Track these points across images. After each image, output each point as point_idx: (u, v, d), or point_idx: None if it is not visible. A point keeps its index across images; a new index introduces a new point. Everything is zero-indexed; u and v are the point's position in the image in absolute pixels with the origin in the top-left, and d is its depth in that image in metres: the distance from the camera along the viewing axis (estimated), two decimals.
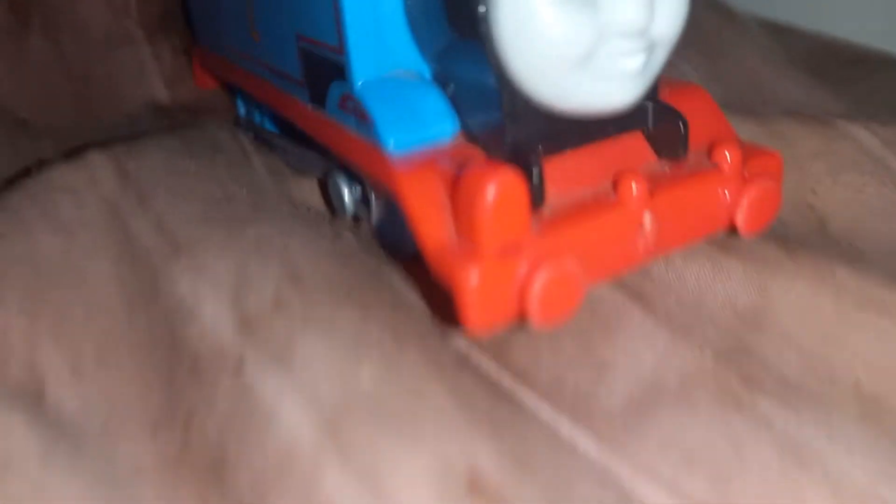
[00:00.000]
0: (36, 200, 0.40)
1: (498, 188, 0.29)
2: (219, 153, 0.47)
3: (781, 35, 0.69)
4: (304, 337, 0.32)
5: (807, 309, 0.35)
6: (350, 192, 0.41)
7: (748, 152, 0.35)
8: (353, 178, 0.42)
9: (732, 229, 0.35)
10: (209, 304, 0.35)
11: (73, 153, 0.45)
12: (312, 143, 0.55)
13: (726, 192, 0.34)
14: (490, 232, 0.29)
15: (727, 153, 0.34)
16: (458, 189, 0.30)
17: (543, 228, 0.31)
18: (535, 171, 0.31)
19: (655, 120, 0.35)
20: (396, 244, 0.40)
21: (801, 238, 0.38)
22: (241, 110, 0.63)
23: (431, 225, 0.31)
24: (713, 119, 0.37)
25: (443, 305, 0.37)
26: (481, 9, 0.30)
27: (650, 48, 0.31)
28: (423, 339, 0.33)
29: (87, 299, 0.36)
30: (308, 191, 0.48)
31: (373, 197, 0.40)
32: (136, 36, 0.69)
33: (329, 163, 0.45)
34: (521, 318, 0.30)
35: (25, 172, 0.44)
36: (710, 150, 0.35)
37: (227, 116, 0.63)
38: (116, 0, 0.70)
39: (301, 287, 0.35)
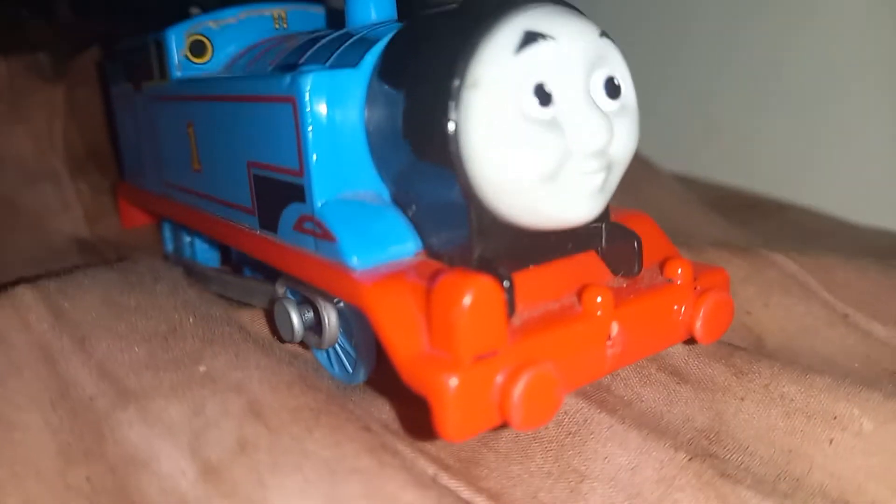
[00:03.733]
0: None
1: (476, 294, 0.29)
2: (158, 283, 0.45)
3: (682, 182, 0.74)
4: (275, 477, 0.30)
5: (761, 428, 0.36)
6: (300, 318, 0.40)
7: (697, 269, 0.37)
8: (302, 304, 0.41)
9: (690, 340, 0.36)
10: (166, 454, 0.31)
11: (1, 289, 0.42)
12: (253, 274, 0.54)
13: (684, 305, 0.35)
14: (468, 338, 0.29)
15: (680, 269, 0.36)
16: (432, 297, 0.30)
17: (517, 337, 0.31)
18: (506, 281, 0.31)
19: (609, 239, 0.37)
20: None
21: (744, 358, 0.39)
22: (169, 246, 0.62)
23: (402, 335, 0.31)
24: (659, 240, 0.39)
25: (414, 420, 0.36)
26: (451, 126, 0.31)
27: (608, 168, 0.33)
28: (399, 457, 0.32)
29: (13, 457, 0.32)
30: (249, 319, 0.46)
31: (326, 321, 0.39)
32: (61, 172, 0.68)
33: (273, 291, 0.44)
34: (500, 425, 0.29)
35: None
36: (662, 267, 0.36)
37: (153, 252, 0.62)
38: (42, 136, 0.69)
39: (265, 421, 0.32)
